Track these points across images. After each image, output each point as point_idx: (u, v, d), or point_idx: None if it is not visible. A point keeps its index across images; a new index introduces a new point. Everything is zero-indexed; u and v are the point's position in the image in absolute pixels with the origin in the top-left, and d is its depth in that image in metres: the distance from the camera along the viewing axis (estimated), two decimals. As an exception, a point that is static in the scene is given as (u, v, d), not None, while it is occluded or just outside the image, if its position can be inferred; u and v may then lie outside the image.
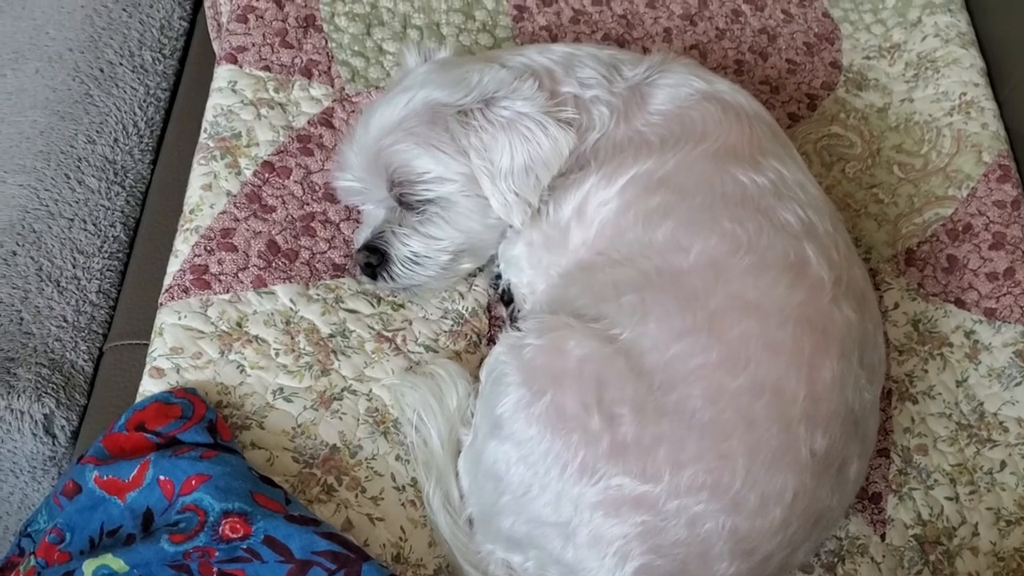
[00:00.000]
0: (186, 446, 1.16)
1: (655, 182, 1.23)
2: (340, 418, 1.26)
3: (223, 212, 1.38)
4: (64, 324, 1.47)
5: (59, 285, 1.50)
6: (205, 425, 1.18)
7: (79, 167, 1.62)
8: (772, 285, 1.12)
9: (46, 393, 1.39)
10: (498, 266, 1.37)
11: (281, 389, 1.27)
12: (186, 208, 1.40)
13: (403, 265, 1.30)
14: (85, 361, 1.46)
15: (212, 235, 1.36)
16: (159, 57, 1.81)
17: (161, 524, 1.10)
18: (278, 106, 1.50)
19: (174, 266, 1.35)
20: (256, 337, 1.30)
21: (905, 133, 1.63)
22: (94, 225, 1.58)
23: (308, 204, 1.42)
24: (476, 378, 1.25)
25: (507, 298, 1.38)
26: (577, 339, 1.13)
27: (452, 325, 1.36)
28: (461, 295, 1.38)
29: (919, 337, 1.43)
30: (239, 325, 1.30)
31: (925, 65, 1.70)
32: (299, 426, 1.25)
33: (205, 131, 1.47)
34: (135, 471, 1.12)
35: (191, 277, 1.33)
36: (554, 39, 1.67)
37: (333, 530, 1.12)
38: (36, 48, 1.74)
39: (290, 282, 1.34)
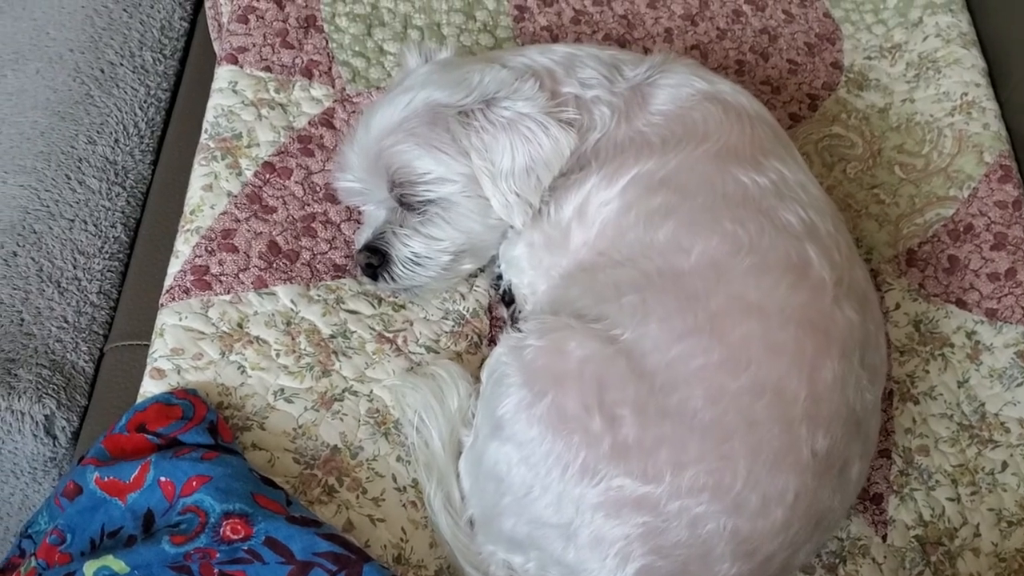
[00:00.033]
0: (187, 447, 1.16)
1: (656, 182, 1.22)
2: (341, 419, 1.26)
3: (224, 213, 1.38)
4: (65, 325, 1.47)
5: (60, 286, 1.50)
6: (206, 426, 1.18)
7: (80, 168, 1.62)
8: (774, 286, 1.12)
9: (47, 394, 1.39)
10: (499, 267, 1.37)
11: (282, 390, 1.27)
12: (187, 209, 1.40)
13: (404, 266, 1.30)
14: (86, 362, 1.46)
15: (213, 236, 1.36)
16: (160, 57, 1.81)
17: (162, 525, 1.10)
18: (279, 107, 1.50)
19: (175, 267, 1.34)
20: (257, 338, 1.29)
21: (906, 133, 1.63)
22: (95, 226, 1.58)
23: (309, 205, 1.42)
24: (477, 379, 1.25)
25: (508, 299, 1.38)
26: (578, 340, 1.13)
27: (453, 326, 1.36)
28: (462, 296, 1.38)
29: (920, 338, 1.43)
30: (240, 326, 1.30)
31: (926, 65, 1.70)
32: (300, 427, 1.25)
33: (206, 132, 1.46)
34: (136, 472, 1.12)
35: (192, 278, 1.33)
36: (555, 39, 1.67)
37: (334, 531, 1.12)
38: (37, 49, 1.74)
39: (291, 283, 1.34)
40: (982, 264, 1.47)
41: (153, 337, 1.30)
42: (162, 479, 1.12)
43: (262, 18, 1.58)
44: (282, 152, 1.45)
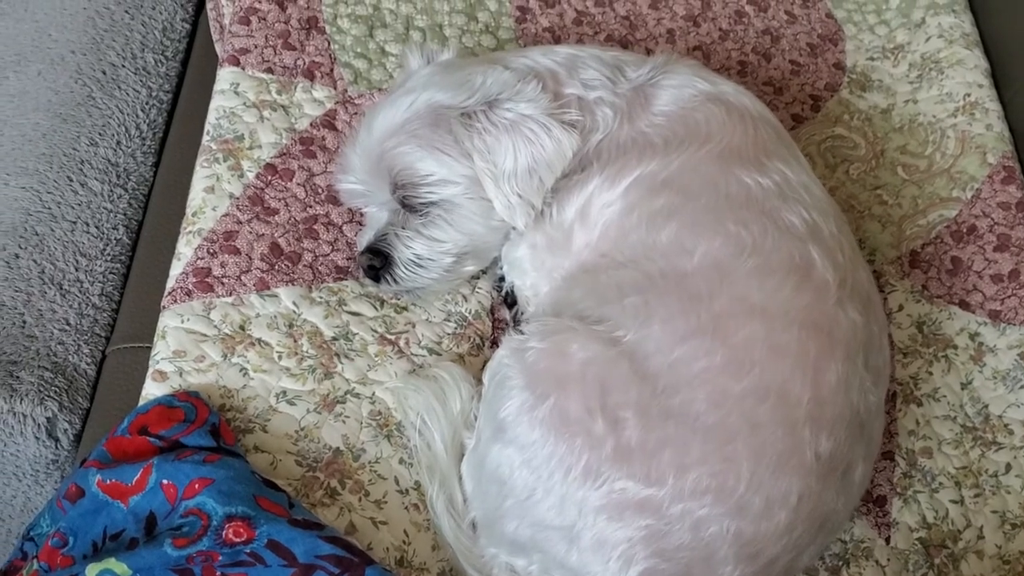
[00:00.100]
0: (189, 450, 1.16)
1: (659, 184, 1.22)
2: (343, 421, 1.26)
3: (226, 215, 1.38)
4: (67, 327, 1.47)
5: (62, 288, 1.50)
6: (208, 429, 1.18)
7: (81, 169, 1.62)
8: (777, 288, 1.12)
9: (49, 396, 1.38)
10: (501, 268, 1.37)
11: (284, 392, 1.27)
12: (188, 211, 1.40)
13: (406, 268, 1.30)
14: (88, 364, 1.46)
15: (215, 238, 1.36)
16: (161, 59, 1.81)
17: (164, 528, 1.10)
18: (280, 108, 1.50)
19: (177, 269, 1.34)
20: (259, 340, 1.29)
21: (909, 134, 1.63)
22: (96, 228, 1.58)
23: (311, 206, 1.42)
24: (479, 381, 1.25)
25: (510, 300, 1.38)
26: (580, 342, 1.13)
27: (455, 328, 1.36)
28: (464, 297, 1.38)
29: (923, 339, 1.43)
30: (242, 328, 1.30)
31: (929, 66, 1.70)
32: (302, 429, 1.25)
33: (207, 133, 1.46)
34: (138, 475, 1.12)
35: (194, 280, 1.32)
36: (557, 40, 1.67)
37: (337, 534, 1.12)
38: (38, 50, 1.74)
39: (293, 285, 1.34)
40: (985, 265, 1.47)
41: (155, 339, 1.30)
42: (164, 482, 1.12)
43: (264, 19, 1.58)
44: (284, 154, 1.45)
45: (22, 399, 1.37)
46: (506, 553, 1.16)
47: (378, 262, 1.30)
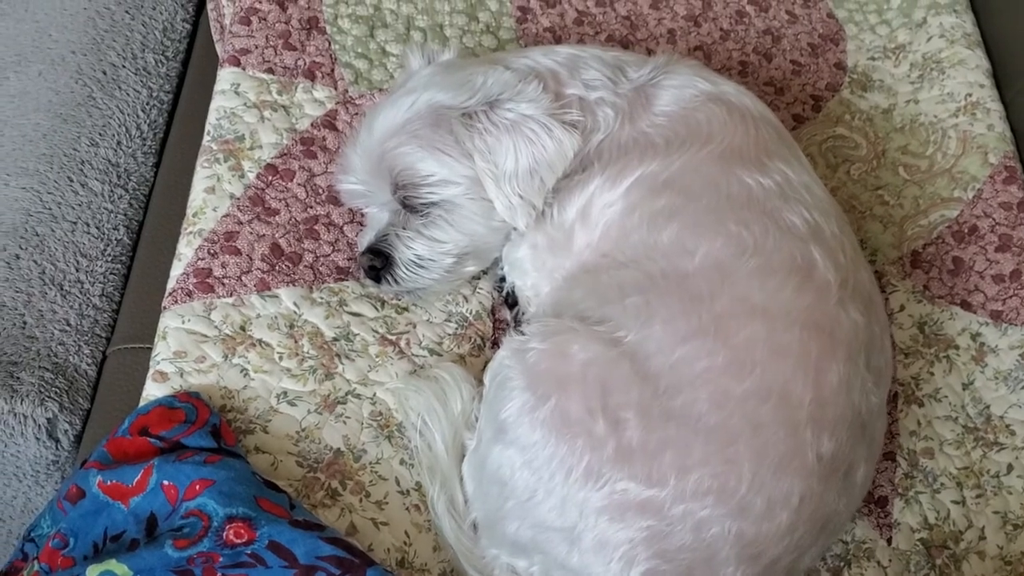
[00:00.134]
0: (190, 451, 1.15)
1: (660, 184, 1.22)
2: (344, 422, 1.26)
3: (226, 215, 1.38)
4: (67, 328, 1.47)
5: (62, 289, 1.50)
6: (209, 429, 1.18)
7: (82, 170, 1.62)
8: (778, 288, 1.12)
9: (49, 397, 1.38)
10: (502, 269, 1.36)
11: (285, 393, 1.27)
12: (189, 211, 1.39)
13: (407, 268, 1.30)
14: (88, 365, 1.46)
15: (215, 238, 1.36)
16: (162, 59, 1.80)
17: (165, 529, 1.10)
18: (281, 108, 1.50)
19: (177, 269, 1.34)
20: (260, 341, 1.29)
21: (910, 134, 1.63)
22: (97, 228, 1.58)
23: (312, 207, 1.42)
24: (480, 382, 1.25)
25: (511, 301, 1.38)
26: (581, 343, 1.12)
27: (456, 328, 1.36)
28: (465, 298, 1.38)
29: (925, 339, 1.43)
30: (243, 329, 1.30)
31: (930, 66, 1.70)
32: (303, 430, 1.25)
33: (208, 134, 1.46)
34: (139, 476, 1.12)
35: (194, 281, 1.32)
36: (558, 40, 1.67)
37: (337, 535, 1.11)
38: (39, 51, 1.74)
39: (294, 285, 1.34)
40: (987, 266, 1.47)
41: (156, 340, 1.30)
42: (165, 483, 1.11)
43: (264, 20, 1.58)
44: (285, 154, 1.45)
45: (23, 400, 1.37)
46: (507, 554, 1.16)
47: (379, 263, 1.30)
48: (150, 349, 1.31)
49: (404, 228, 1.29)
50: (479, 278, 1.39)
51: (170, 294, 1.32)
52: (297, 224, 1.39)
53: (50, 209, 1.56)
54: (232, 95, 1.49)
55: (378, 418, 1.27)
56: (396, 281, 1.31)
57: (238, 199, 1.40)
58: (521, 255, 1.32)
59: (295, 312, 1.32)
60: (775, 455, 1.06)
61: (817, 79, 1.70)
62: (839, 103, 1.68)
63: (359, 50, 1.59)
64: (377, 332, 1.33)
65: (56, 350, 1.44)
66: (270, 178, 1.42)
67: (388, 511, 1.22)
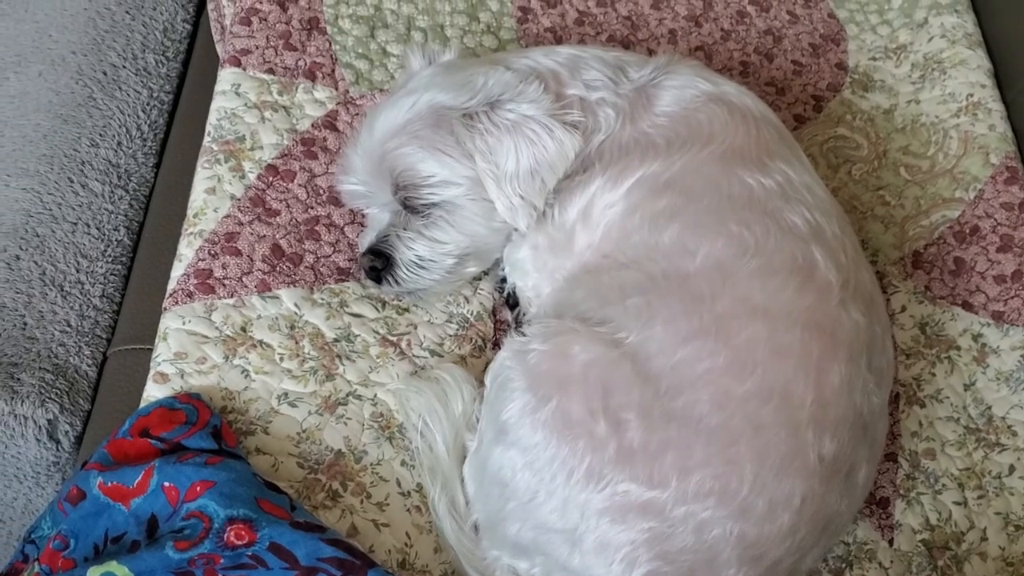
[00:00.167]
0: (190, 452, 1.15)
1: (661, 184, 1.22)
2: (345, 423, 1.26)
3: (227, 216, 1.38)
4: (68, 329, 1.47)
5: (63, 290, 1.49)
6: (209, 431, 1.17)
7: (82, 171, 1.61)
8: (780, 288, 1.12)
9: (50, 398, 1.38)
10: (503, 269, 1.36)
11: (286, 394, 1.26)
12: (190, 212, 1.39)
13: (408, 269, 1.30)
14: (89, 366, 1.46)
15: (216, 239, 1.36)
16: (162, 60, 1.80)
17: (166, 531, 1.10)
18: (282, 109, 1.49)
19: (178, 270, 1.34)
20: (260, 342, 1.29)
21: (912, 135, 1.63)
22: (98, 229, 1.58)
23: (312, 208, 1.41)
24: (481, 383, 1.24)
25: (512, 302, 1.37)
26: (582, 344, 1.12)
27: (457, 329, 1.35)
28: (466, 299, 1.38)
29: (926, 340, 1.42)
30: (243, 330, 1.30)
31: (932, 66, 1.69)
32: (304, 431, 1.25)
33: (209, 134, 1.46)
34: (139, 477, 1.12)
35: (195, 281, 1.32)
36: (559, 41, 1.67)
37: (339, 536, 1.11)
38: (39, 51, 1.74)
39: (294, 286, 1.34)
40: (988, 266, 1.46)
41: (156, 341, 1.30)
42: (166, 484, 1.11)
43: (265, 20, 1.58)
44: (285, 155, 1.45)
45: (23, 401, 1.36)
46: (508, 556, 1.16)
47: (380, 263, 1.30)
48: (151, 350, 1.31)
49: (405, 229, 1.29)
50: (480, 279, 1.39)
51: (171, 295, 1.32)
52: (298, 225, 1.39)
53: (50, 210, 1.56)
54: (233, 96, 1.49)
55: (379, 419, 1.27)
56: (397, 282, 1.30)
57: (239, 200, 1.39)
58: (522, 256, 1.31)
59: (296, 313, 1.32)
60: (777, 456, 1.06)
61: (818, 79, 1.70)
62: (840, 103, 1.68)
63: (360, 50, 1.58)
64: (378, 333, 1.33)
65: (56, 351, 1.44)
66: (271, 179, 1.42)
67: (389, 512, 1.21)
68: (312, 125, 1.49)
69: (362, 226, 1.40)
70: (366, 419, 1.27)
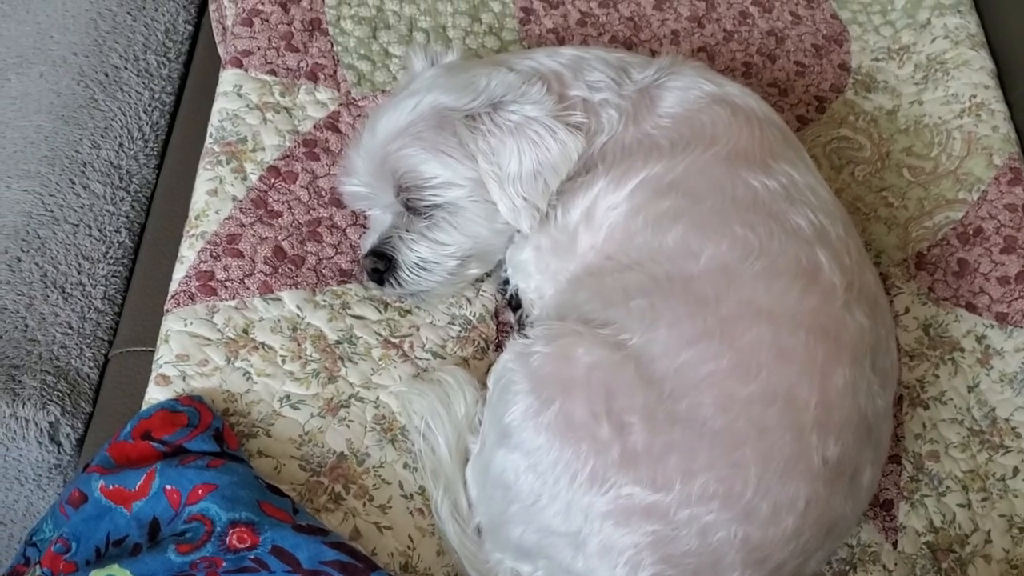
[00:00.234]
0: (192, 455, 1.15)
1: (665, 186, 1.22)
2: (347, 425, 1.25)
3: (229, 217, 1.38)
4: (69, 331, 1.46)
5: (64, 291, 1.49)
6: (211, 433, 1.17)
7: (84, 172, 1.61)
8: (784, 291, 1.12)
9: (51, 401, 1.38)
10: (506, 271, 1.36)
11: (288, 396, 1.26)
12: (192, 214, 1.39)
13: (410, 271, 1.29)
14: (90, 368, 1.45)
15: (218, 241, 1.35)
16: (164, 61, 1.80)
17: (168, 534, 1.10)
18: (284, 110, 1.49)
19: (180, 272, 1.34)
20: (262, 344, 1.29)
21: (915, 136, 1.62)
22: (99, 231, 1.57)
23: (314, 209, 1.41)
24: (484, 385, 1.24)
25: (515, 303, 1.37)
26: (586, 346, 1.12)
27: (460, 331, 1.35)
28: (469, 300, 1.37)
29: (930, 342, 1.42)
30: (245, 332, 1.29)
31: (935, 67, 1.69)
32: (306, 434, 1.24)
33: (210, 136, 1.46)
34: (141, 480, 1.12)
35: (197, 283, 1.32)
36: (561, 42, 1.67)
37: (341, 539, 1.11)
38: (40, 52, 1.74)
39: (296, 288, 1.34)
40: (992, 268, 1.46)
41: (158, 343, 1.29)
42: (168, 487, 1.11)
43: (267, 21, 1.58)
44: (287, 156, 1.45)
45: (24, 403, 1.36)
46: (511, 559, 1.15)
47: (382, 265, 1.30)
48: (152, 352, 1.30)
49: (407, 231, 1.29)
50: (483, 281, 1.39)
51: (172, 297, 1.32)
52: (300, 226, 1.39)
53: (52, 211, 1.56)
54: (234, 97, 1.49)
55: (381, 422, 1.27)
56: (399, 284, 1.30)
57: (240, 201, 1.39)
58: (525, 257, 1.31)
59: (298, 315, 1.32)
60: (781, 459, 1.05)
61: (821, 80, 1.70)
62: (843, 104, 1.67)
63: (362, 51, 1.58)
64: (380, 335, 1.32)
65: (58, 353, 1.44)
66: (273, 180, 1.42)
67: (392, 515, 1.21)
68: (314, 126, 1.49)
69: (364, 228, 1.39)
70: (368, 421, 1.26)
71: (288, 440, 1.24)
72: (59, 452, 1.42)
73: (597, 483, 1.05)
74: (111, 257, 1.57)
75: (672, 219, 1.19)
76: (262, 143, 1.45)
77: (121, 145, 1.67)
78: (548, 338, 1.15)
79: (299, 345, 1.29)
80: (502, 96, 1.24)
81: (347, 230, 1.41)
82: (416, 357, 1.32)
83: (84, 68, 1.72)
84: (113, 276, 1.55)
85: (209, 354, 1.27)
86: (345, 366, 1.29)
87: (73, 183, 1.59)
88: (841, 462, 1.08)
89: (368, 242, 1.33)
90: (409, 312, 1.35)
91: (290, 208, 1.40)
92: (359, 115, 1.51)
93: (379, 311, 1.34)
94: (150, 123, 1.73)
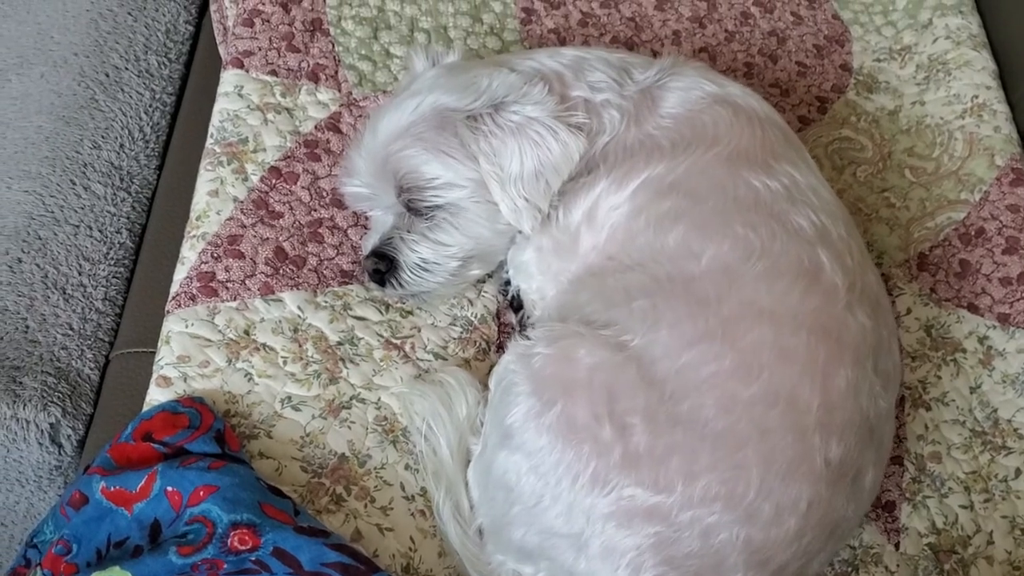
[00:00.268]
0: (194, 456, 1.15)
1: (666, 186, 1.22)
2: (349, 427, 1.25)
3: (230, 218, 1.37)
4: (70, 332, 1.46)
5: (65, 292, 1.49)
6: (213, 435, 1.17)
7: (85, 173, 1.61)
8: (786, 291, 1.11)
9: (52, 402, 1.38)
10: (507, 272, 1.36)
11: (289, 398, 1.26)
12: (192, 214, 1.39)
13: (412, 271, 1.29)
14: (91, 369, 1.45)
15: (219, 242, 1.35)
16: (165, 61, 1.80)
17: (169, 535, 1.09)
18: (285, 111, 1.49)
19: (181, 273, 1.34)
20: (264, 345, 1.29)
21: (916, 136, 1.62)
22: (100, 232, 1.57)
23: (316, 210, 1.41)
24: (485, 386, 1.24)
25: (516, 304, 1.37)
26: (587, 348, 1.12)
27: (461, 332, 1.35)
28: (470, 301, 1.37)
29: (932, 343, 1.42)
30: (247, 333, 1.29)
31: (936, 67, 1.69)
32: (307, 435, 1.24)
33: (211, 136, 1.46)
34: (142, 482, 1.12)
35: (198, 284, 1.32)
36: (562, 42, 1.66)
37: (343, 541, 1.11)
38: (41, 53, 1.73)
39: (298, 289, 1.33)
40: (994, 268, 1.46)
41: (159, 344, 1.29)
42: (169, 489, 1.11)
43: (268, 21, 1.57)
44: (288, 157, 1.44)
45: (25, 405, 1.36)
46: (513, 560, 1.15)
47: (383, 266, 1.30)
48: (153, 353, 1.30)
49: (409, 231, 1.29)
50: (484, 281, 1.39)
51: (173, 298, 1.32)
52: (301, 227, 1.39)
53: (52, 212, 1.55)
54: (235, 97, 1.49)
55: (383, 423, 1.26)
56: (401, 285, 1.30)
57: (241, 202, 1.39)
58: (526, 258, 1.31)
59: (299, 316, 1.31)
60: (783, 460, 1.05)
61: (823, 81, 1.70)
62: (845, 105, 1.67)
63: (363, 52, 1.58)
64: (382, 336, 1.32)
65: (59, 354, 1.43)
66: (274, 181, 1.42)
67: (393, 516, 1.21)
68: (315, 127, 1.48)
69: (365, 229, 1.39)
70: (370, 423, 1.26)
71: (289, 441, 1.23)
72: (60, 453, 1.42)
73: (599, 485, 1.05)
74: (112, 258, 1.56)
75: (674, 220, 1.19)
76: (263, 144, 1.45)
77: (122, 146, 1.67)
78: (550, 339, 1.15)
79: (300, 346, 1.29)
80: (504, 97, 1.24)
81: (348, 231, 1.40)
82: (417, 358, 1.31)
83: (85, 69, 1.72)
84: (114, 277, 1.55)
85: (210, 355, 1.27)
86: (346, 367, 1.29)
87: (74, 184, 1.59)
88: (843, 463, 1.08)
89: (369, 243, 1.32)
90: (410, 313, 1.35)
91: (291, 209, 1.40)
92: (360, 116, 1.51)
93: (380, 312, 1.34)
94: (151, 124, 1.72)
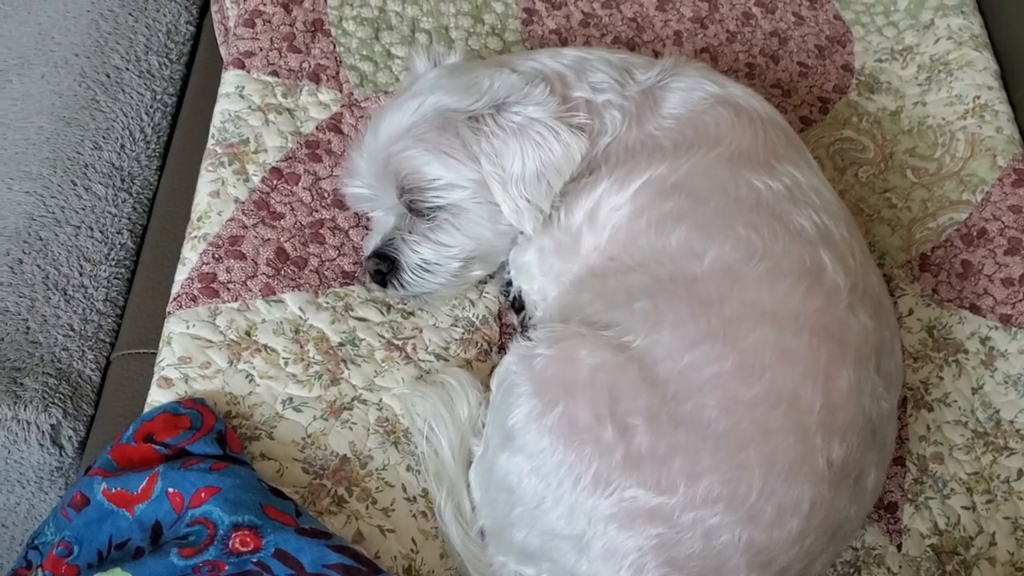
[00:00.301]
0: (195, 457, 1.15)
1: (668, 187, 1.21)
2: (350, 428, 1.25)
3: (231, 219, 1.37)
4: (71, 333, 1.46)
5: (66, 293, 1.49)
6: (214, 436, 1.17)
7: (86, 173, 1.61)
8: (788, 292, 1.11)
9: (53, 403, 1.38)
10: (509, 273, 1.36)
11: (290, 399, 1.26)
12: (194, 215, 1.39)
13: (413, 272, 1.29)
14: (92, 370, 1.45)
15: (220, 243, 1.35)
16: (166, 62, 1.80)
17: (170, 537, 1.09)
18: (286, 111, 1.49)
19: (182, 274, 1.34)
20: (265, 346, 1.28)
21: (918, 137, 1.62)
22: (101, 232, 1.57)
23: (317, 211, 1.41)
24: (487, 387, 1.24)
25: (518, 305, 1.37)
26: (589, 348, 1.12)
27: (463, 333, 1.35)
28: (472, 302, 1.37)
29: (934, 344, 1.42)
30: (248, 334, 1.29)
31: (938, 68, 1.69)
32: (309, 436, 1.24)
33: (213, 137, 1.45)
34: (144, 483, 1.12)
35: (199, 285, 1.31)
36: (564, 43, 1.66)
37: (344, 543, 1.11)
38: (42, 53, 1.73)
39: (299, 290, 1.33)
40: (996, 269, 1.46)
41: (160, 345, 1.29)
42: (170, 490, 1.11)
43: (269, 22, 1.57)
44: (290, 157, 1.44)
45: (26, 406, 1.36)
46: (515, 562, 1.15)
47: (385, 267, 1.29)
48: (154, 354, 1.30)
49: (410, 232, 1.29)
50: (486, 282, 1.39)
51: (175, 299, 1.32)
52: (302, 228, 1.39)
53: (53, 213, 1.55)
54: (236, 98, 1.49)
55: (384, 424, 1.26)
56: (402, 286, 1.30)
57: (243, 203, 1.39)
58: (528, 259, 1.31)
59: (300, 317, 1.31)
60: (785, 461, 1.05)
61: (824, 81, 1.70)
62: (846, 105, 1.67)
63: (364, 52, 1.58)
64: (383, 337, 1.32)
65: (60, 355, 1.43)
66: (275, 182, 1.42)
67: (395, 518, 1.21)
68: (316, 128, 1.48)
69: (367, 229, 1.39)
70: (371, 424, 1.26)
71: (291, 443, 1.23)
72: (61, 455, 1.41)
73: (601, 486, 1.05)
74: (113, 259, 1.56)
75: (676, 220, 1.18)
76: (264, 144, 1.45)
77: (123, 146, 1.67)
78: (551, 340, 1.14)
79: (302, 347, 1.29)
80: (505, 97, 1.24)
81: (350, 232, 1.40)
82: (419, 359, 1.31)
83: (86, 69, 1.72)
84: (115, 278, 1.55)
85: (211, 356, 1.27)
86: (348, 368, 1.29)
87: (75, 185, 1.59)
88: (846, 464, 1.08)
89: (371, 244, 1.32)
90: (412, 314, 1.35)
91: (292, 210, 1.40)
92: (362, 116, 1.51)
93: (382, 313, 1.34)
94: (152, 124, 1.72)
